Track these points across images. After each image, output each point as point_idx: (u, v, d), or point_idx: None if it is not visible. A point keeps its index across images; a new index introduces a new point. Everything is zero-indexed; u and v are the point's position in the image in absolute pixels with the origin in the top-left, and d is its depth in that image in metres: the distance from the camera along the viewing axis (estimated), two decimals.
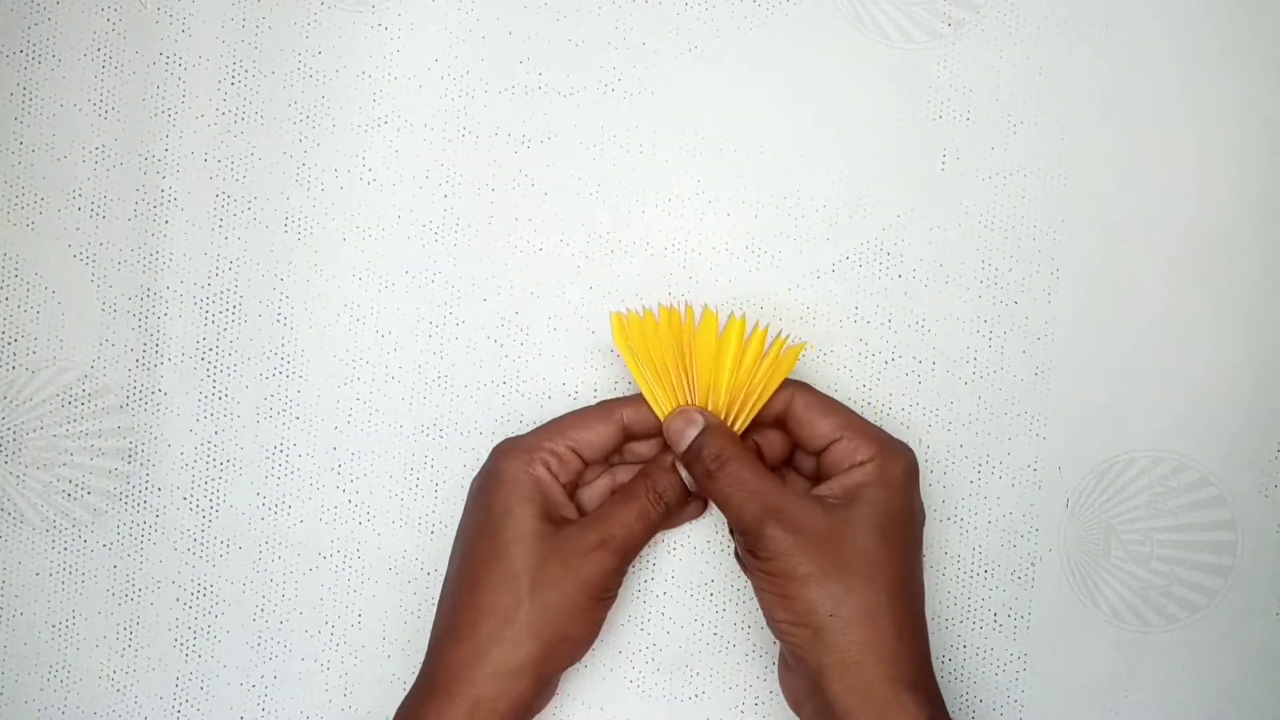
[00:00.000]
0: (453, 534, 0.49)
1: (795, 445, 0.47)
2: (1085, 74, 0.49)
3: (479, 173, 0.50)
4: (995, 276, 0.49)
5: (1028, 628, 0.49)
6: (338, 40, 0.50)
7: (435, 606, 0.47)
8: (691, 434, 0.45)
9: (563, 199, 0.50)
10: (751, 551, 0.44)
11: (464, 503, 0.47)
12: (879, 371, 0.49)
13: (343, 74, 0.50)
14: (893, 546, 0.44)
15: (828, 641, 0.42)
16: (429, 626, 0.49)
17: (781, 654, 0.46)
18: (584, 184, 0.50)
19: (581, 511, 0.47)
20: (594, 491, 0.48)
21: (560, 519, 0.45)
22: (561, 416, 0.47)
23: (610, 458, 0.48)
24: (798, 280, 0.50)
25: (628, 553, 0.45)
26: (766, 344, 0.47)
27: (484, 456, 0.47)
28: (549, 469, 0.46)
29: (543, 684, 0.44)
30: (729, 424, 0.46)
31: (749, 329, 0.47)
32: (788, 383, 0.46)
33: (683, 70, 0.50)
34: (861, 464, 0.44)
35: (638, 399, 0.47)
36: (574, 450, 0.46)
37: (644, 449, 0.48)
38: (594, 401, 0.49)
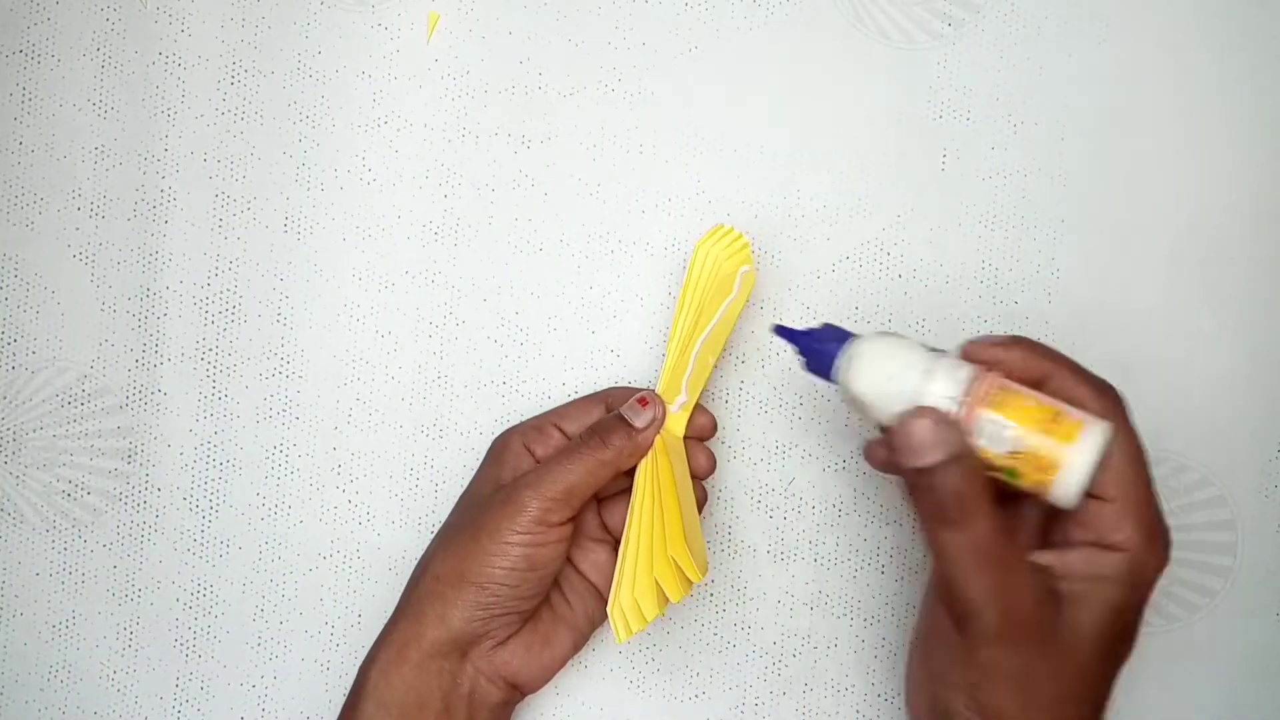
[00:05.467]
0: None
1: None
2: (1085, 74, 0.49)
3: (479, 173, 0.50)
4: (995, 276, 0.49)
5: None
6: (337, 40, 0.50)
7: None
8: (936, 455, 0.37)
9: (563, 199, 0.50)
10: (958, 627, 0.38)
11: None
12: None
13: (342, 74, 0.50)
14: (1108, 663, 0.39)
15: None
16: None
17: (930, 698, 0.40)
18: (584, 184, 0.50)
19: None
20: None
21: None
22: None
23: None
24: (798, 280, 0.50)
25: (548, 492, 0.43)
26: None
27: (483, 456, 0.47)
28: (526, 444, 0.46)
29: (466, 582, 0.43)
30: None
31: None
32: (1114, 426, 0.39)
33: (683, 70, 0.50)
34: (1112, 549, 0.38)
35: (630, 389, 0.47)
36: (557, 426, 0.46)
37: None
38: None
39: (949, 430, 0.38)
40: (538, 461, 0.46)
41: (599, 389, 0.49)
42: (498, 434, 0.47)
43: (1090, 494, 0.38)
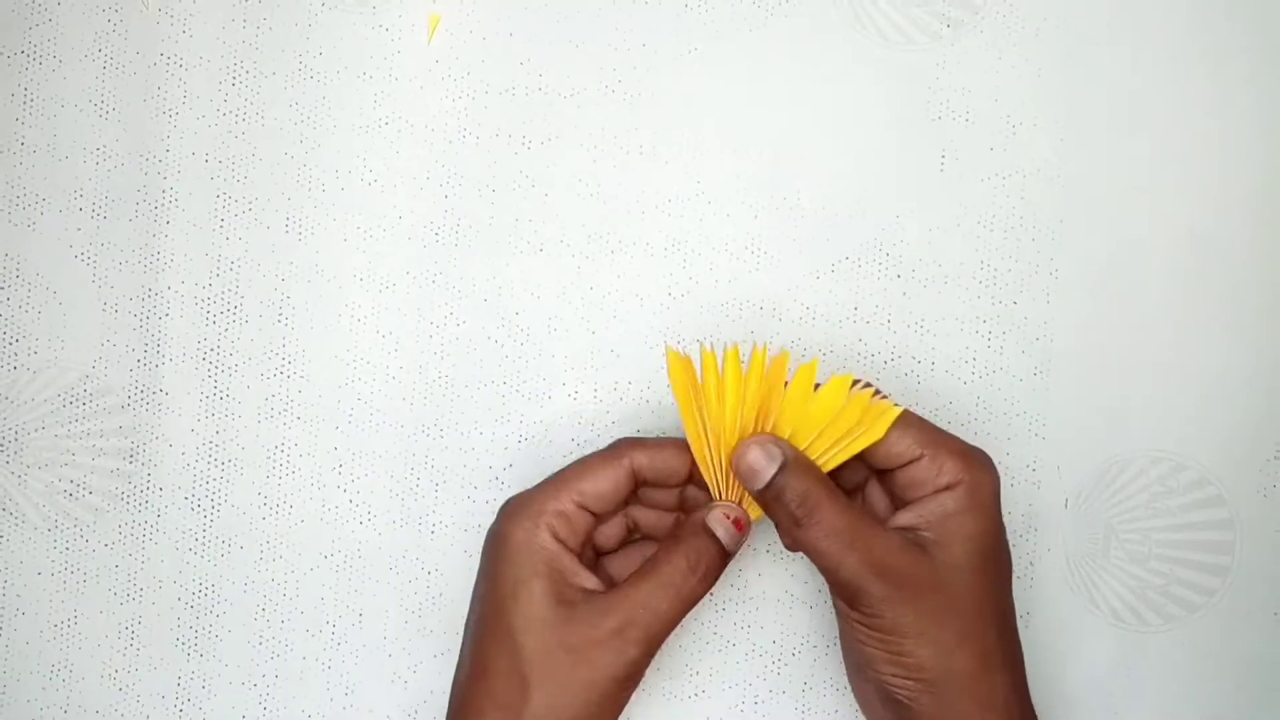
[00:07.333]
0: (453, 534, 0.49)
1: (865, 463, 0.43)
2: (1085, 74, 0.49)
3: (479, 173, 0.50)
4: (994, 277, 0.49)
5: (1027, 628, 0.49)
6: (338, 41, 0.50)
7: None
8: (770, 470, 0.40)
9: (563, 199, 0.50)
10: (851, 605, 0.41)
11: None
12: (878, 372, 0.49)
13: (344, 75, 0.50)
14: (995, 579, 0.42)
15: (940, 694, 0.40)
16: (430, 626, 0.49)
17: (873, 690, 0.42)
18: (584, 184, 0.50)
19: (602, 574, 0.44)
20: (611, 541, 0.45)
21: (574, 593, 0.41)
22: (567, 467, 0.44)
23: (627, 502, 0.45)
24: (798, 280, 0.50)
25: (652, 639, 0.40)
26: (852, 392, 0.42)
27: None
28: (556, 535, 0.42)
29: None
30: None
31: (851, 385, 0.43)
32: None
33: (683, 71, 0.50)
34: (949, 488, 0.41)
35: (650, 442, 0.44)
36: (582, 506, 0.42)
37: (661, 496, 0.45)
38: (593, 404, 0.49)
39: (773, 446, 0.41)
40: (569, 549, 0.42)
41: (597, 390, 0.49)
42: (503, 507, 0.44)
43: (902, 465, 0.42)
